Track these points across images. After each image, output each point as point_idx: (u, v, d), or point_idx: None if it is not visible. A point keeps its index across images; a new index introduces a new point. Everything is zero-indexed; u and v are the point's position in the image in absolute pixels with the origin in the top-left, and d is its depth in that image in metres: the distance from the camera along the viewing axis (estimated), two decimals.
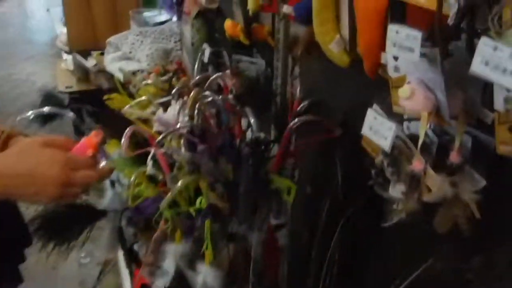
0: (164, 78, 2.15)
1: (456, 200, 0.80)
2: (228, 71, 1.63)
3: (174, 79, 2.15)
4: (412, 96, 0.78)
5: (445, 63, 0.73)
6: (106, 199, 1.36)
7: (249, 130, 1.33)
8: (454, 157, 0.82)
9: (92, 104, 2.72)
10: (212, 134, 1.11)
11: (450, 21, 0.69)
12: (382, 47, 0.87)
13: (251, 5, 1.33)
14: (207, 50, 1.59)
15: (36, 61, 5.02)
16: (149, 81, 2.14)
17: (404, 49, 0.75)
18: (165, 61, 2.30)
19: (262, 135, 1.28)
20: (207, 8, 1.71)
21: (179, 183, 1.05)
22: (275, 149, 1.28)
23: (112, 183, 1.37)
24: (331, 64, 1.06)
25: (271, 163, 1.18)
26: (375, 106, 0.91)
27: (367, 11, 0.83)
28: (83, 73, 3.09)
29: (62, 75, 3.22)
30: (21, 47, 5.41)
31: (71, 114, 1.37)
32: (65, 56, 3.34)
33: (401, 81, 0.85)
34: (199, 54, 1.63)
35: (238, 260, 1.29)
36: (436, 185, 0.80)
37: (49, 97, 1.53)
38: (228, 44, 1.71)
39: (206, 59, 1.61)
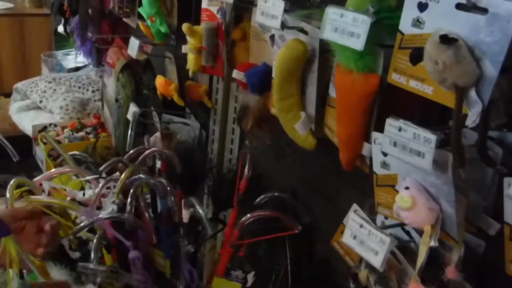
0: (81, 134, 1.90)
1: None
2: (158, 134, 1.42)
3: (91, 136, 1.91)
4: (414, 207, 0.62)
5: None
6: None
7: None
8: (451, 273, 0.66)
9: None
10: (145, 230, 0.89)
11: (471, 123, 0.54)
12: (364, 138, 0.72)
13: (191, 66, 1.15)
14: (134, 111, 1.38)
15: None
16: (62, 137, 1.88)
17: (406, 151, 0.59)
18: (81, 114, 2.04)
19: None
20: (134, 60, 1.50)
21: None
22: None
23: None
24: (289, 142, 0.90)
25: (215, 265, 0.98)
26: (356, 209, 0.74)
27: (351, 95, 0.67)
28: None
29: None
30: None
31: None
32: None
33: (390, 180, 0.70)
34: (127, 116, 1.40)
35: None
36: None
37: None
38: (158, 102, 1.51)
39: (131, 120, 1.38)
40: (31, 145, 2.04)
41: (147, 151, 1.07)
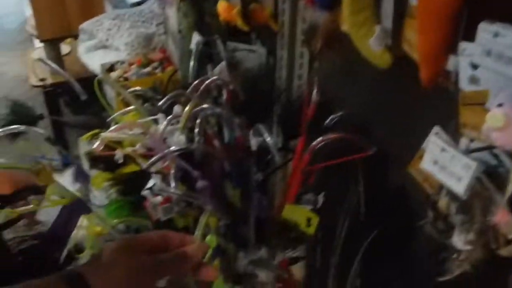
0: (147, 69, 1.89)
1: None
2: (223, 63, 1.38)
3: (158, 70, 1.90)
4: (507, 126, 0.54)
5: None
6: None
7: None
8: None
9: (71, 98, 2.44)
10: (216, 160, 0.87)
11: None
12: (450, 50, 0.64)
13: None
14: (197, 40, 1.33)
15: (5, 49, 4.66)
16: (130, 74, 1.89)
17: (503, 61, 0.50)
18: (147, 49, 2.02)
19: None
20: None
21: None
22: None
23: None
24: (362, 63, 0.82)
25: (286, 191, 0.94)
26: (438, 130, 0.67)
27: (435, 1, 0.58)
28: (57, 63, 2.80)
29: (34, 66, 2.91)
30: None
31: (42, 131, 1.12)
32: (37, 44, 3.03)
33: (479, 98, 0.62)
34: (190, 47, 1.36)
35: None
36: None
37: (17, 110, 1.25)
38: (222, 29, 1.45)
39: (194, 50, 1.34)
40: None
41: (208, 80, 1.03)
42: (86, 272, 0.60)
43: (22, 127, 1.08)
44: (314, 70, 1.10)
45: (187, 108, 0.90)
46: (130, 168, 1.07)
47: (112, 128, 0.86)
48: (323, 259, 1.10)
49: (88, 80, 2.32)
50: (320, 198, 1.03)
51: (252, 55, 1.43)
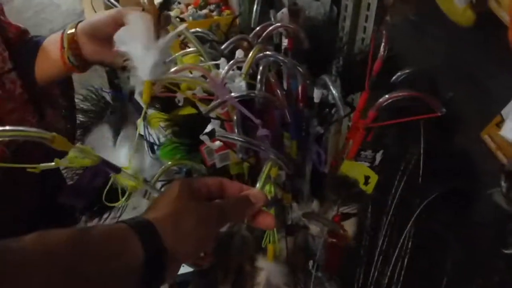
0: (204, 11, 1.86)
1: None
2: (285, 9, 1.33)
3: (215, 13, 1.87)
4: None
5: None
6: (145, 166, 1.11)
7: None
8: None
9: None
10: (277, 109, 0.85)
11: None
12: None
13: None
14: None
15: None
16: (186, 15, 1.86)
17: None
18: None
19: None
20: None
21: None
22: None
23: (152, 147, 1.14)
24: (439, 19, 0.77)
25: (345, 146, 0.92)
26: None
27: None
28: None
29: (89, 1, 2.91)
30: None
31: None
32: None
33: None
34: None
35: (298, 253, 1.07)
36: None
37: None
38: None
39: None
40: None
41: (272, 26, 1.00)
42: (155, 220, 0.56)
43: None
44: (384, 23, 1.04)
45: (250, 54, 0.87)
46: (187, 110, 1.06)
47: (172, 69, 0.85)
48: (375, 218, 1.08)
49: None
50: (378, 156, 1.01)
51: (315, 3, 1.38)
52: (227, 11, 1.82)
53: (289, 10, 1.34)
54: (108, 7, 2.86)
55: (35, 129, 0.57)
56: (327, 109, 1.07)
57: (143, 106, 1.07)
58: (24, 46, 1.06)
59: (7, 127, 0.56)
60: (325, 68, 1.24)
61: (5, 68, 0.99)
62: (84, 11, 2.96)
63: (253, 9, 1.34)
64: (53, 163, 0.66)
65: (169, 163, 1.02)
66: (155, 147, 1.14)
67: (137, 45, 0.83)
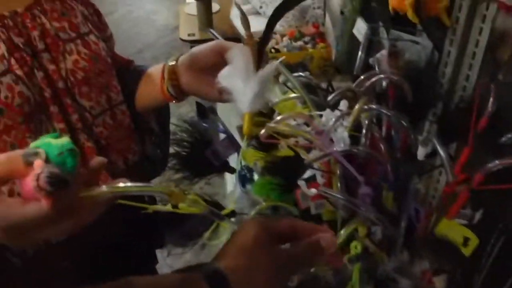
0: (299, 43, 1.88)
1: None
2: (384, 52, 1.33)
3: (309, 45, 1.89)
4: None
5: None
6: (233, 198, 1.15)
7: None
8: None
9: None
10: (380, 165, 0.85)
11: None
12: None
13: None
14: (362, 26, 1.29)
15: None
16: (281, 45, 1.89)
17: None
18: (300, 22, 2.01)
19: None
20: None
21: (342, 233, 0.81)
22: None
23: (243, 181, 1.17)
24: None
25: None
26: None
27: None
28: (207, 20, 2.89)
29: (184, 20, 3.04)
30: None
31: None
32: None
33: None
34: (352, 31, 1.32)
35: None
36: None
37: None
38: (387, 17, 1.39)
39: (358, 36, 1.30)
40: None
41: (376, 77, 1.00)
42: (228, 271, 0.57)
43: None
44: (492, 76, 1.02)
45: (356, 107, 0.88)
46: (285, 152, 1.08)
47: (278, 118, 0.87)
48: (468, 276, 1.05)
49: (233, 41, 2.39)
50: (478, 215, 0.98)
51: (415, 46, 1.36)
52: (322, 44, 1.83)
53: (389, 52, 1.33)
54: (201, 30, 2.94)
55: (157, 186, 0.61)
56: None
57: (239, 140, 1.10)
58: (129, 74, 1.12)
59: (131, 184, 0.59)
60: (424, 115, 1.22)
61: (118, 100, 1.05)
62: (178, 27, 3.09)
63: (350, 48, 1.36)
64: (165, 207, 0.70)
65: (264, 203, 1.04)
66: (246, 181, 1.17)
67: (237, 78, 0.86)
